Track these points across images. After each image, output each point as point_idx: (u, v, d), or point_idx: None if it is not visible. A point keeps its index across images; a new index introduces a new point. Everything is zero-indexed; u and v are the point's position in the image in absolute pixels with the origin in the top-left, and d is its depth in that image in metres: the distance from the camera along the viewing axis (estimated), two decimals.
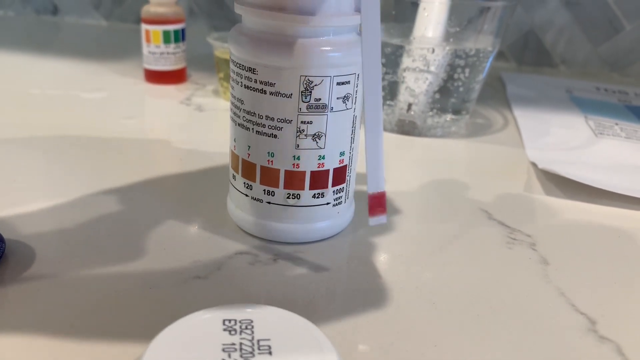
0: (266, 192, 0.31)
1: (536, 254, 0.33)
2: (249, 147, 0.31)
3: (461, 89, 0.49)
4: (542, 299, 0.29)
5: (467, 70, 0.48)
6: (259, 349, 0.21)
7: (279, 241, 0.32)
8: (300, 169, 0.30)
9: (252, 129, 0.30)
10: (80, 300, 0.27)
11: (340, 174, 0.31)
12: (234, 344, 0.21)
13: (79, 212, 0.34)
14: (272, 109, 0.29)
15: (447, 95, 0.49)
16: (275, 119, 0.29)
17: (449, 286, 0.30)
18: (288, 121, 0.29)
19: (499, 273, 0.31)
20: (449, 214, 0.37)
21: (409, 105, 0.49)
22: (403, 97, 0.49)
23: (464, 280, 0.30)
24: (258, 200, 0.31)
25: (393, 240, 0.34)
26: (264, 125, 0.30)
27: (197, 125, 0.50)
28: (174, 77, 0.60)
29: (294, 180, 0.30)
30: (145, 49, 0.59)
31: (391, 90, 0.50)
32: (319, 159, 0.30)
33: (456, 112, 0.51)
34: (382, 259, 0.32)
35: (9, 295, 0.27)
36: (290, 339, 0.21)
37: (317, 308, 0.27)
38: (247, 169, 0.31)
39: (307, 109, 0.29)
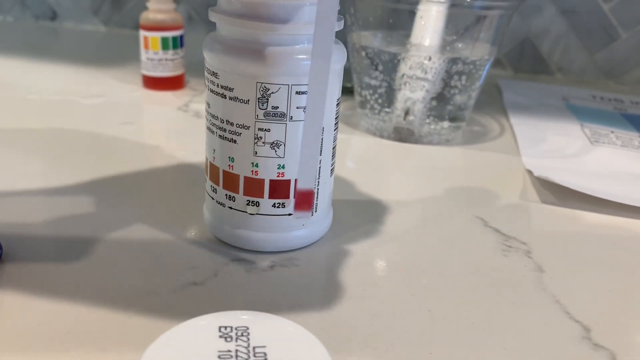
0: (228, 196, 0.31)
1: (531, 262, 0.33)
2: (214, 150, 0.31)
3: (458, 96, 0.49)
4: (537, 307, 0.29)
5: (463, 78, 0.48)
6: (254, 356, 0.21)
7: (238, 247, 0.32)
8: (259, 176, 0.30)
9: (216, 132, 0.31)
10: (77, 306, 0.27)
11: None
12: (229, 350, 0.21)
13: (77, 218, 0.34)
14: (231, 113, 0.30)
15: (444, 103, 0.50)
16: (235, 124, 0.30)
17: (445, 294, 0.30)
18: (246, 127, 0.29)
19: (494, 280, 0.31)
20: (445, 221, 0.37)
21: (406, 113, 0.50)
22: (400, 104, 0.49)
23: (460, 288, 0.30)
24: (221, 204, 0.32)
25: (389, 248, 0.34)
26: (224, 130, 0.30)
27: (194, 132, 0.50)
28: (172, 83, 0.60)
29: (253, 187, 0.30)
30: (143, 55, 0.59)
31: (388, 98, 0.50)
32: (278, 168, 0.30)
33: (453, 119, 0.51)
34: (378, 266, 0.32)
35: (6, 301, 0.27)
36: (286, 347, 0.21)
37: (313, 315, 0.27)
38: (213, 172, 0.32)
39: (264, 116, 0.29)
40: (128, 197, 0.37)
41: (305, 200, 0.26)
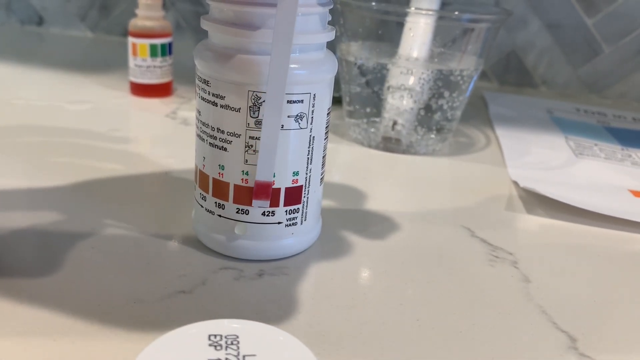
0: (217, 204, 0.31)
1: (518, 272, 0.33)
2: (204, 158, 0.31)
3: (445, 107, 0.50)
4: (523, 317, 0.29)
5: (451, 90, 0.49)
6: None
7: (226, 255, 0.32)
8: (250, 184, 0.30)
9: (206, 140, 0.31)
10: (63, 315, 0.27)
11: (294, 194, 0.31)
12: (219, 359, 0.21)
13: (62, 226, 0.34)
14: (222, 121, 0.30)
15: (431, 114, 0.50)
16: (225, 132, 0.30)
17: (432, 303, 0.30)
18: (237, 135, 0.29)
19: (481, 290, 0.31)
20: (432, 231, 0.38)
21: (394, 123, 0.50)
22: (388, 114, 0.50)
23: (447, 298, 0.30)
24: (210, 212, 0.32)
25: (377, 257, 0.34)
26: (215, 138, 0.30)
27: (182, 139, 0.50)
28: (159, 90, 0.60)
29: (243, 195, 0.30)
30: (131, 62, 0.59)
31: (376, 108, 0.50)
32: None
33: (440, 130, 0.51)
34: (366, 276, 0.32)
35: None
36: (275, 355, 0.21)
37: (302, 324, 0.27)
38: (202, 180, 0.32)
39: (255, 124, 0.29)
40: (114, 205, 0.37)
41: (264, 191, 0.29)
